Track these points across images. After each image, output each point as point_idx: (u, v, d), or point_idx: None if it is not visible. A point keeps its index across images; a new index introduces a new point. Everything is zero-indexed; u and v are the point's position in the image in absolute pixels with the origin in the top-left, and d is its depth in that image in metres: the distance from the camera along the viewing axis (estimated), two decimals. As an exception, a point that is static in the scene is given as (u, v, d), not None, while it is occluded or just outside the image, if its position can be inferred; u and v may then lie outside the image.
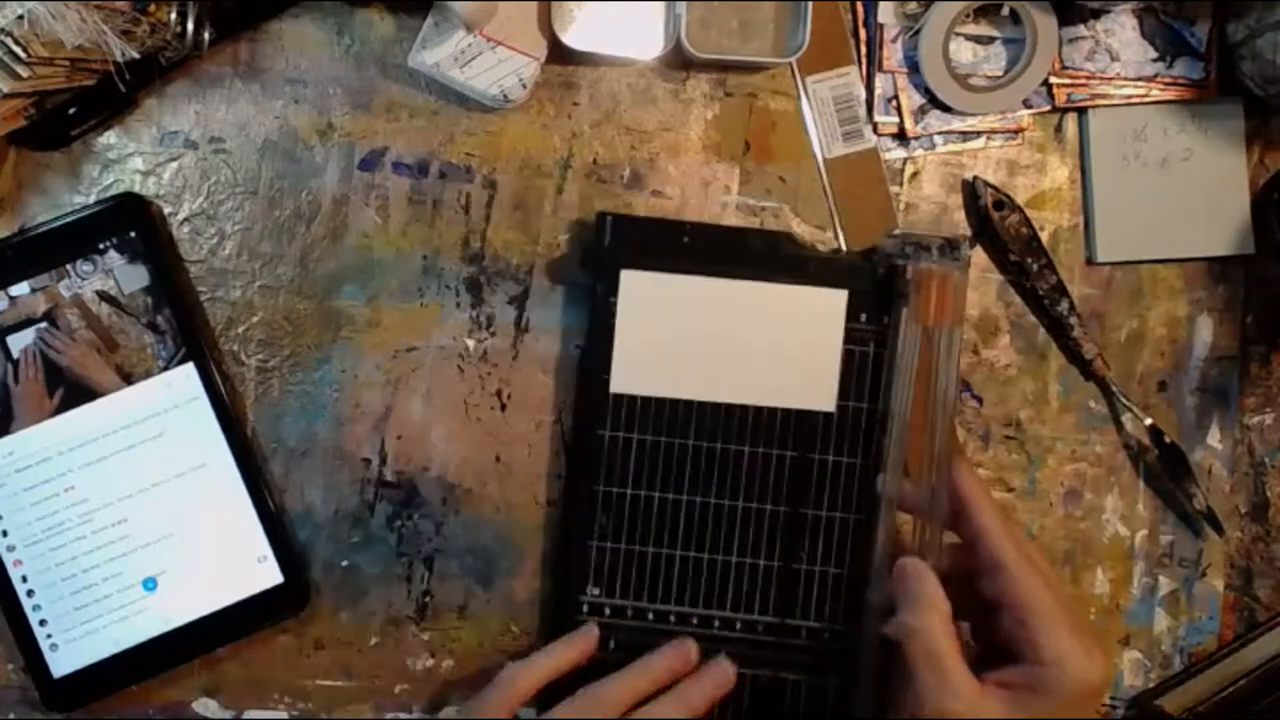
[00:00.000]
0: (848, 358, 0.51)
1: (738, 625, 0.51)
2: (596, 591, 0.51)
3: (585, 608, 0.51)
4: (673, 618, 0.51)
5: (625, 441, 0.51)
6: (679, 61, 0.53)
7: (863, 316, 0.51)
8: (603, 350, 0.50)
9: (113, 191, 0.50)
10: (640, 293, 0.50)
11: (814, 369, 0.51)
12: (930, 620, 0.44)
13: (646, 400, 0.51)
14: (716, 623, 0.51)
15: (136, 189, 0.51)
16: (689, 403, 0.51)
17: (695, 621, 0.51)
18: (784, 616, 0.51)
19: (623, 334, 0.50)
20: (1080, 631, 0.42)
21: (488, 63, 0.50)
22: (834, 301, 0.51)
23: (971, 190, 0.55)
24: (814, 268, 0.51)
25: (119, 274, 0.49)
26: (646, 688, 0.48)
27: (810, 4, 0.51)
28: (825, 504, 0.51)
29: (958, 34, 0.54)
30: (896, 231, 0.52)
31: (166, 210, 0.51)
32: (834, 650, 0.51)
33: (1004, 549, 0.44)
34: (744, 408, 0.51)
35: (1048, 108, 0.55)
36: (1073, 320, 0.55)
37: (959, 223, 0.56)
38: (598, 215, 0.51)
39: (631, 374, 0.51)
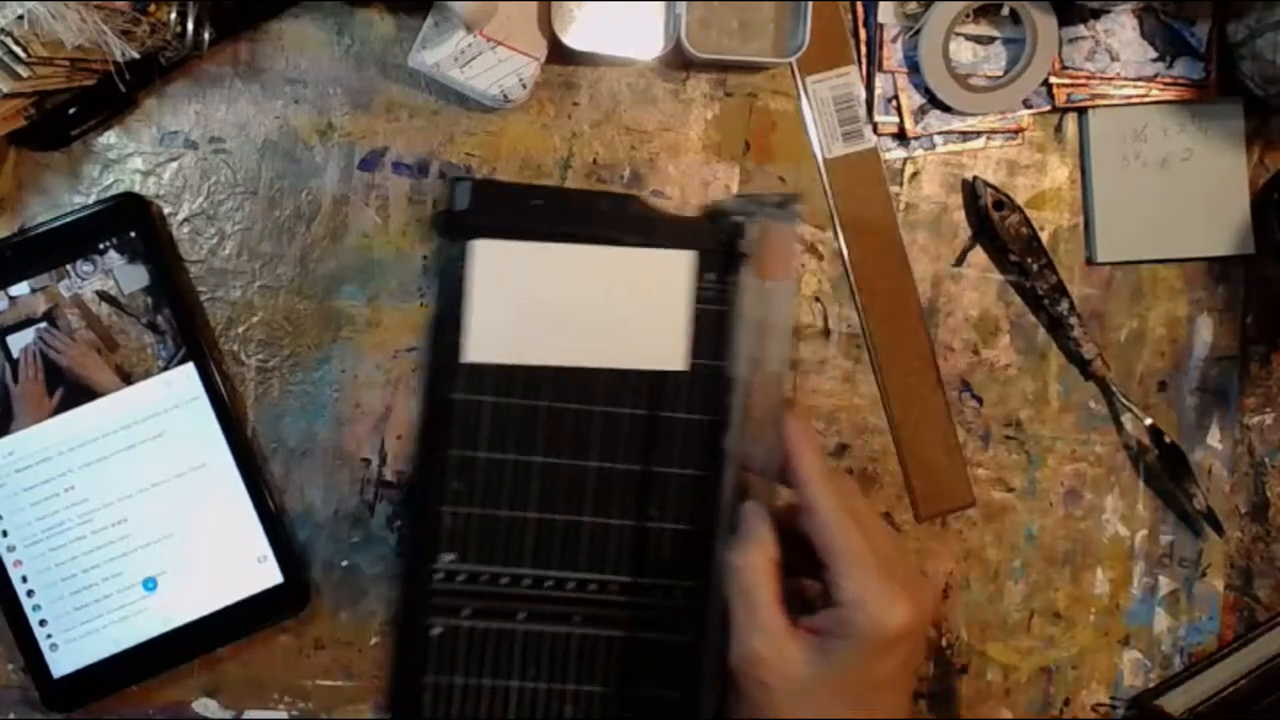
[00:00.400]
0: (698, 317, 0.51)
1: (592, 586, 0.51)
2: (450, 558, 0.50)
3: (439, 575, 0.50)
4: (527, 581, 0.50)
5: (477, 405, 0.50)
6: (679, 61, 0.53)
7: (710, 275, 0.52)
8: (454, 316, 0.50)
9: (113, 191, 0.50)
10: (491, 261, 0.50)
11: (665, 329, 0.51)
12: (751, 558, 0.43)
13: (500, 365, 0.50)
14: (571, 584, 0.51)
15: (136, 189, 0.50)
16: (542, 366, 0.51)
17: (550, 584, 0.51)
18: (637, 575, 0.51)
19: (474, 303, 0.50)
20: (889, 577, 0.41)
21: (488, 63, 0.49)
22: (682, 262, 0.51)
23: (971, 190, 0.55)
24: (662, 229, 0.52)
25: (119, 274, 0.49)
26: None
27: (810, 4, 0.51)
28: (677, 462, 0.51)
29: (958, 34, 0.54)
30: (739, 191, 0.53)
31: (166, 210, 0.51)
32: (685, 607, 0.51)
33: (817, 495, 0.43)
34: (597, 370, 0.51)
35: (1048, 108, 0.55)
36: (1073, 320, 0.55)
37: (959, 223, 0.56)
38: (450, 179, 0.51)
39: (484, 342, 0.50)
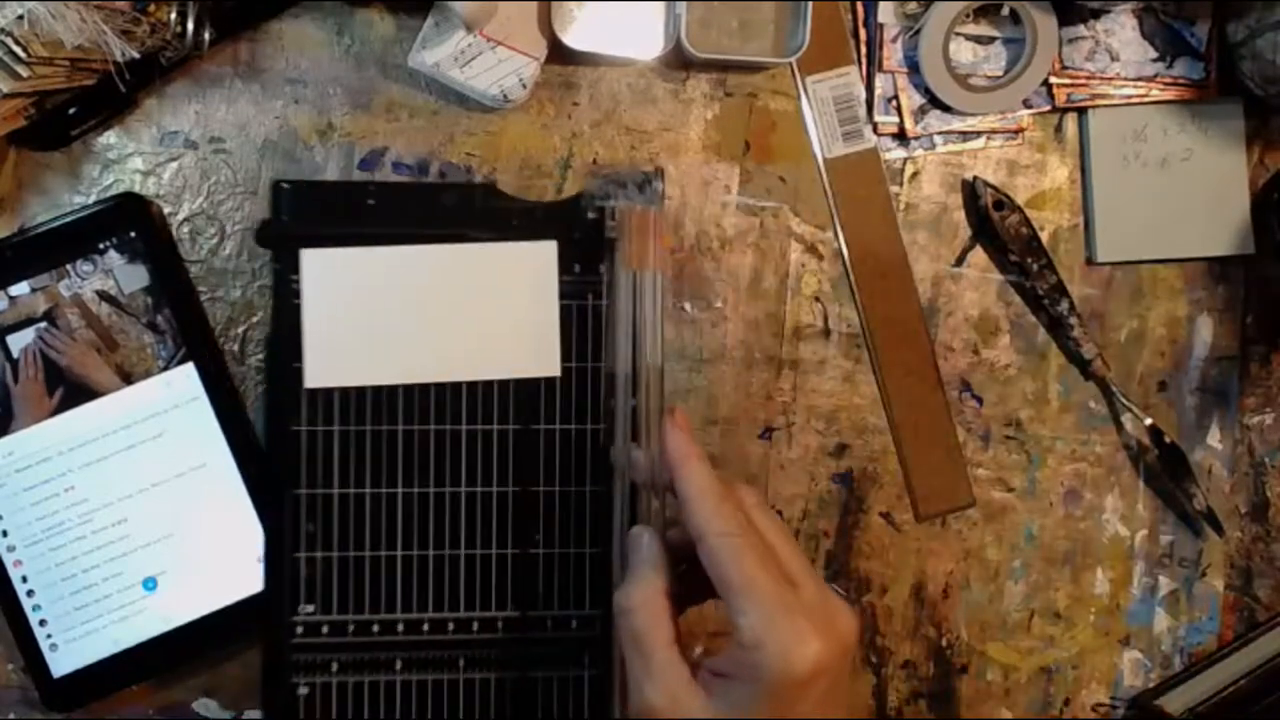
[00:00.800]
0: (566, 314, 0.47)
1: (475, 626, 0.46)
2: (310, 609, 0.46)
3: (300, 629, 0.46)
4: (401, 626, 0.46)
5: (325, 436, 0.46)
6: (679, 61, 0.53)
7: (577, 267, 0.47)
8: (291, 338, 0.46)
9: (113, 191, 0.50)
10: (324, 272, 0.45)
11: (532, 331, 0.46)
12: (640, 597, 0.39)
13: (346, 389, 0.45)
14: (452, 626, 0.46)
15: (136, 189, 0.50)
16: (396, 386, 0.46)
17: (427, 628, 0.46)
18: (526, 609, 0.47)
19: (311, 320, 0.45)
20: (792, 611, 0.36)
21: (488, 63, 0.49)
22: (544, 254, 0.47)
23: (971, 190, 0.55)
24: (518, 219, 0.47)
25: (119, 274, 0.49)
26: None
27: (810, 4, 0.51)
28: (559, 479, 0.47)
29: (958, 34, 0.54)
30: (603, 171, 0.48)
31: (166, 210, 0.51)
32: (585, 638, 0.47)
33: (704, 520, 0.38)
34: (460, 385, 0.46)
35: (1048, 108, 0.55)
36: (1073, 320, 0.55)
37: (959, 223, 0.56)
38: (272, 184, 0.47)
39: (326, 364, 0.45)
